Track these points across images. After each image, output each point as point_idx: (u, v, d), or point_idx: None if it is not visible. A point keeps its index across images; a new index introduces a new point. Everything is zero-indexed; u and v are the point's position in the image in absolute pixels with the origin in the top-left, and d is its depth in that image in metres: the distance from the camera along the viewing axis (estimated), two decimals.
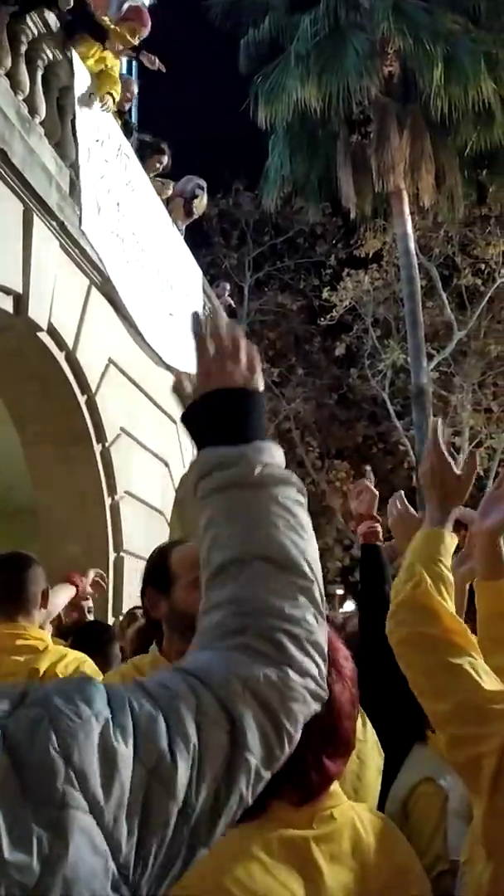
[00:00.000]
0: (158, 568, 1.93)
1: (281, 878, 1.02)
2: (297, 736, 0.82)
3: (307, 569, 0.89)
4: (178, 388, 1.05)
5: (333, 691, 1.11)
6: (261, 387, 1.03)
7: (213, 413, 1.00)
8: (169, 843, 0.72)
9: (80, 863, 0.64)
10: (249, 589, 0.86)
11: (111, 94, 6.15)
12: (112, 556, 6.41)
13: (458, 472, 1.64)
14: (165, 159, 8.24)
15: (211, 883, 1.00)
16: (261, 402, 1.02)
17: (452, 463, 1.64)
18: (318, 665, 0.85)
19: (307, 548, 0.91)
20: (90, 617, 4.39)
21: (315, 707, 0.84)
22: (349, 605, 18.73)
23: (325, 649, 0.86)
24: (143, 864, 0.70)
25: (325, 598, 0.91)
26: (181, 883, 0.97)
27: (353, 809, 1.17)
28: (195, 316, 1.07)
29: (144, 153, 7.97)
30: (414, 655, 1.47)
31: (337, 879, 1.06)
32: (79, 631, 3.81)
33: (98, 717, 0.71)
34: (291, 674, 0.82)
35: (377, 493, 2.75)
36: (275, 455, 0.97)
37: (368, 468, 3.07)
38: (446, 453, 1.65)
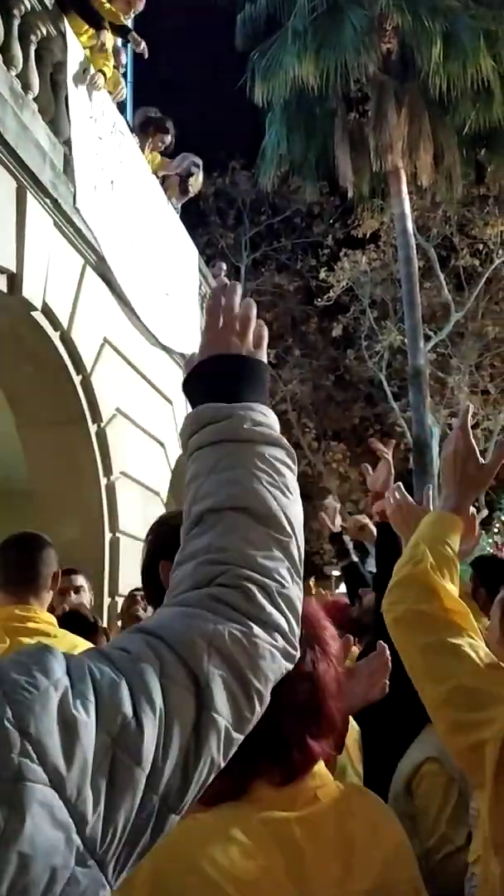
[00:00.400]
0: (174, 541, 1.84)
1: (262, 862, 0.98)
2: (268, 695, 0.80)
3: (286, 524, 0.88)
4: (190, 363, 1.06)
5: (318, 670, 1.09)
6: (264, 359, 1.04)
7: (211, 375, 1.01)
8: (137, 811, 0.70)
9: (37, 837, 0.62)
10: (224, 538, 0.86)
11: (102, 72, 6.06)
12: (108, 536, 6.40)
13: (482, 460, 1.60)
14: (169, 139, 8.02)
15: (188, 866, 0.96)
16: (262, 372, 1.03)
17: (478, 450, 1.61)
18: (288, 621, 0.83)
19: (290, 506, 0.90)
20: (87, 595, 4.31)
21: (286, 665, 0.82)
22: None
23: (299, 608, 0.85)
24: (111, 835, 0.68)
25: (302, 558, 0.89)
26: (159, 867, 0.96)
27: (340, 790, 1.12)
28: (216, 289, 1.09)
29: (147, 128, 7.85)
30: (410, 634, 1.42)
31: (321, 862, 1.02)
32: (66, 617, 3.75)
33: (56, 686, 0.69)
34: (257, 629, 0.80)
35: (392, 469, 2.73)
36: (268, 416, 0.97)
37: (392, 443, 3.02)
38: (473, 440, 1.61)
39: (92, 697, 0.70)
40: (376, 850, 1.07)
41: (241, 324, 1.04)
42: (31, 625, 2.62)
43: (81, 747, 0.67)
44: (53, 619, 2.77)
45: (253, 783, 1.05)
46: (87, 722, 0.68)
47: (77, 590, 4.19)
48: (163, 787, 0.72)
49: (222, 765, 0.77)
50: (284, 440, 0.97)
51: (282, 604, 0.83)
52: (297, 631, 0.84)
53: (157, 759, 0.71)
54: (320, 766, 1.11)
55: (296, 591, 0.86)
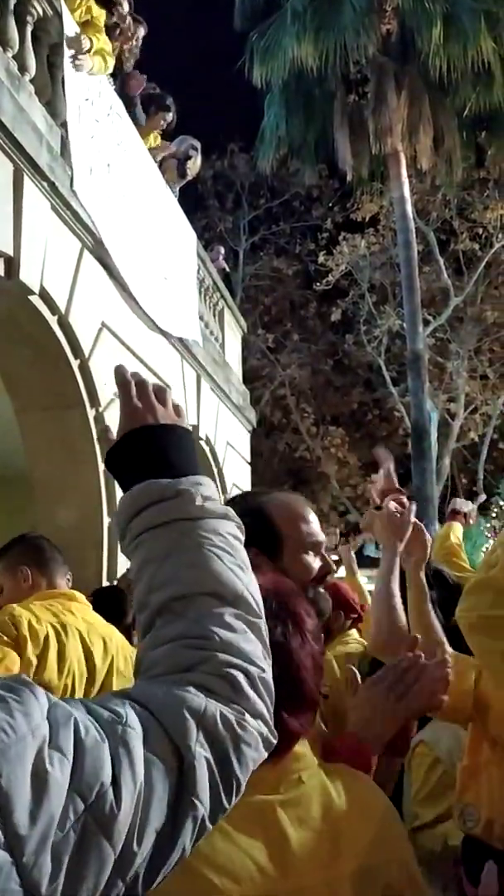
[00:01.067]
0: (262, 527, 1.58)
1: (244, 846, 0.97)
2: (244, 786, 0.75)
3: (254, 604, 0.84)
4: (103, 436, 1.00)
5: (290, 643, 1.07)
6: (188, 427, 1.00)
7: (144, 448, 0.94)
8: (101, 894, 0.62)
9: None
10: (200, 624, 0.79)
11: (91, 39, 6.00)
12: (106, 521, 6.41)
13: None
14: (170, 116, 8.01)
15: None
16: (192, 441, 0.99)
17: None
18: (267, 707, 0.79)
19: (251, 583, 0.86)
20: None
21: (264, 754, 0.77)
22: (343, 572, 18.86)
23: (273, 691, 0.81)
24: None
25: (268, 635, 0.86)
26: None
27: (326, 771, 1.11)
28: (119, 367, 1.05)
29: (149, 108, 7.80)
30: (487, 640, 1.38)
31: (305, 845, 1.00)
32: (98, 594, 3.70)
33: (35, 733, 0.62)
34: (247, 716, 0.75)
35: (393, 480, 2.74)
36: (212, 488, 0.93)
37: (381, 452, 2.98)
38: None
39: (70, 755, 0.62)
40: (364, 831, 1.06)
41: (157, 392, 1.00)
42: (75, 605, 2.65)
43: (49, 808, 0.59)
44: (89, 605, 2.78)
45: None
46: (61, 781, 0.61)
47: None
48: (131, 873, 0.64)
49: (188, 855, 0.71)
50: (231, 511, 0.92)
51: (262, 689, 0.78)
52: (272, 716, 0.80)
53: (129, 838, 0.64)
54: (304, 749, 1.10)
55: (270, 674, 0.81)
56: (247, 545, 1.55)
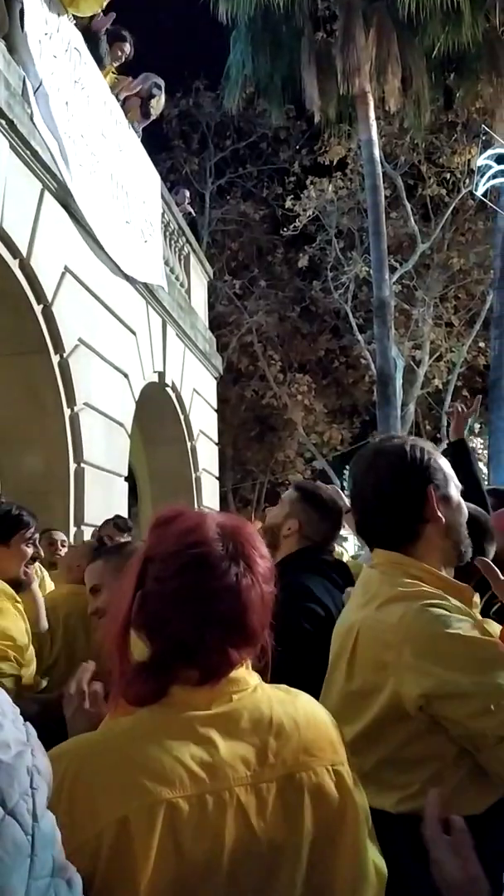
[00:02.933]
0: (431, 467, 1.62)
1: (175, 753, 1.07)
2: None
3: None
4: None
5: (240, 584, 1.14)
6: None
7: None
8: None
9: None
10: None
11: None
12: (73, 466, 6.43)
13: None
14: (127, 47, 7.93)
15: (108, 765, 1.06)
16: None
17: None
18: None
19: None
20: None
21: None
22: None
23: None
24: None
25: None
26: (82, 766, 1.04)
27: (261, 691, 1.19)
28: None
29: (109, 44, 7.66)
30: None
31: (233, 752, 1.11)
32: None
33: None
34: None
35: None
36: None
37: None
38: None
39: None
40: (294, 740, 1.15)
41: None
42: None
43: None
44: None
45: (172, 686, 1.14)
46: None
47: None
48: None
49: None
50: None
51: None
52: None
53: None
54: (241, 673, 1.18)
55: None
56: (426, 482, 1.59)
